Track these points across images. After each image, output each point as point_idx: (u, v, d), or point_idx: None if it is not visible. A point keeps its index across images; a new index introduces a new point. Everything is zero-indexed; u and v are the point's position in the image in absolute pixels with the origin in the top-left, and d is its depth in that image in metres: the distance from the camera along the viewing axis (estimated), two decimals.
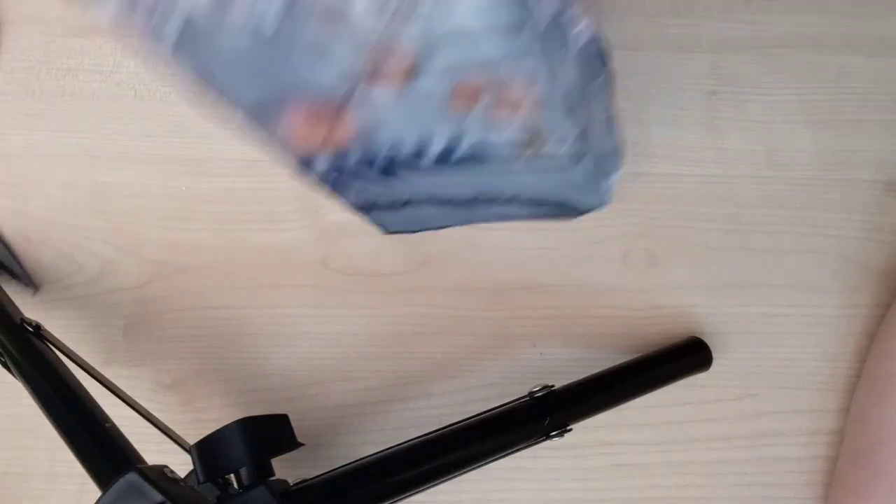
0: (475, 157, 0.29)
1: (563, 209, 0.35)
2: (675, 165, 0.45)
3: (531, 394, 0.36)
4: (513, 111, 0.26)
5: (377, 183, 0.32)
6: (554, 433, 0.35)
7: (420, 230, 0.40)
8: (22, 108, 0.47)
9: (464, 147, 0.28)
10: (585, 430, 0.38)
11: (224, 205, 0.45)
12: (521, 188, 0.32)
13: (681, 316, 0.43)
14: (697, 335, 0.42)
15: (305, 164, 0.30)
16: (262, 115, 0.28)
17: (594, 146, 0.31)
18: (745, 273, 0.44)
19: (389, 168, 0.30)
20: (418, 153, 0.29)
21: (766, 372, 0.42)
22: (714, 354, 0.41)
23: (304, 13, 0.22)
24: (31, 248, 0.44)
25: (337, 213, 0.44)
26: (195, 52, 0.24)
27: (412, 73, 0.24)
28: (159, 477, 0.28)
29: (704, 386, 0.41)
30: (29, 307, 0.42)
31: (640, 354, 0.40)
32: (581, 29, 0.27)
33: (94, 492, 0.28)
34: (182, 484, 0.29)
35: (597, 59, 0.30)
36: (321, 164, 0.30)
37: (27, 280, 0.43)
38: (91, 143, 0.46)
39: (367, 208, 0.36)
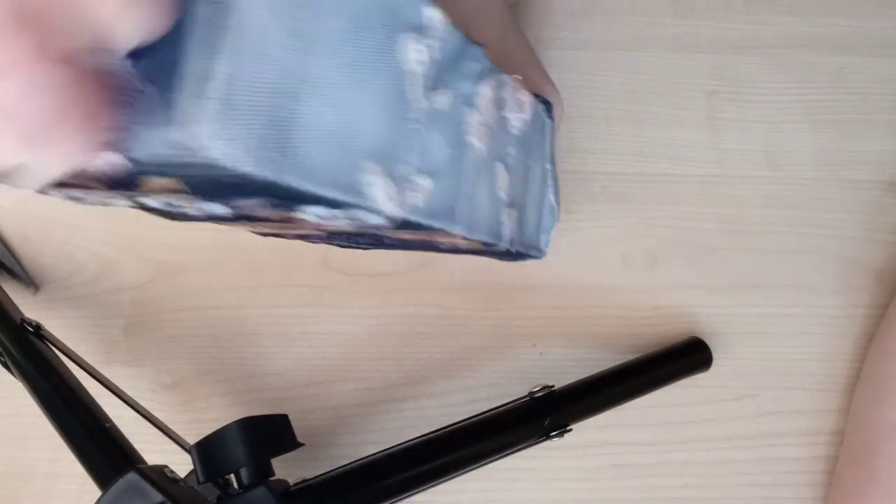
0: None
1: (505, 257, 0.36)
2: (675, 165, 0.45)
3: (531, 394, 0.36)
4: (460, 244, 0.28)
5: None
6: (554, 433, 0.35)
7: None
8: None
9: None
10: (585, 430, 0.38)
11: None
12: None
13: (681, 316, 0.43)
14: (697, 335, 0.42)
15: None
16: None
17: (526, 222, 0.32)
18: (745, 273, 0.44)
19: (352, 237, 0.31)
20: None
21: (766, 372, 0.42)
22: (714, 354, 0.41)
23: None
24: (31, 248, 0.44)
25: None
26: None
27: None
28: (159, 477, 0.28)
29: (704, 386, 0.42)
30: (29, 307, 0.42)
31: (640, 354, 0.40)
32: (519, 118, 0.29)
33: (94, 492, 0.28)
34: (182, 484, 0.29)
35: (537, 122, 0.31)
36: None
37: (27, 280, 0.43)
38: None
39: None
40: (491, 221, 0.28)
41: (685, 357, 0.41)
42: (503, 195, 0.29)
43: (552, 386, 0.37)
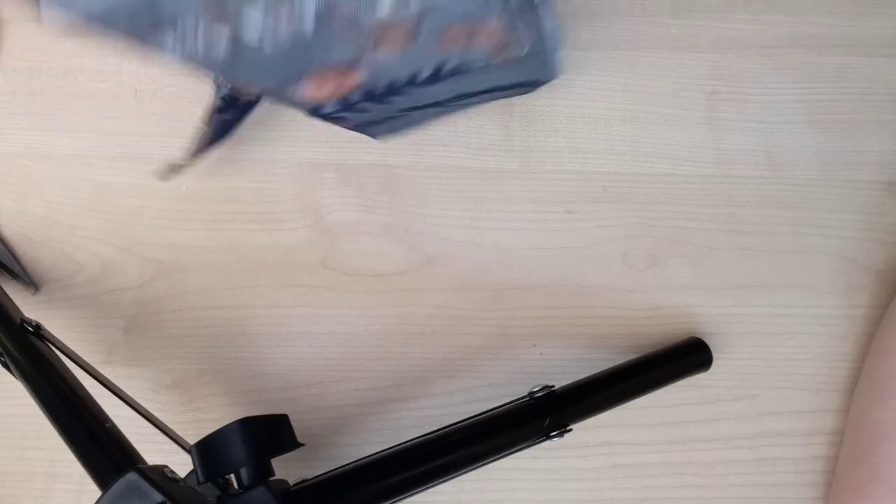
0: (457, 72, 0.36)
1: (526, 86, 0.44)
2: (675, 165, 0.45)
3: (531, 394, 0.36)
4: (487, 40, 0.33)
5: (376, 105, 0.38)
6: (554, 433, 0.35)
7: (406, 131, 0.45)
8: (22, 108, 0.47)
9: (447, 69, 0.36)
10: (585, 430, 0.38)
11: (224, 205, 0.45)
12: (493, 81, 0.40)
13: (681, 316, 0.43)
14: (697, 335, 0.42)
15: (314, 110, 0.37)
16: (279, 90, 0.34)
17: (543, 38, 0.38)
18: (745, 273, 0.44)
19: (386, 95, 0.37)
20: (411, 81, 0.36)
21: (766, 372, 0.42)
22: (714, 354, 0.41)
23: (332, 22, 0.29)
24: (31, 248, 0.44)
25: (337, 212, 0.44)
26: (233, 67, 0.30)
27: (409, 37, 0.31)
28: (159, 477, 0.28)
29: (704, 386, 0.42)
30: (29, 307, 0.42)
31: (640, 354, 0.40)
32: None
33: (94, 492, 0.28)
34: (182, 484, 0.29)
35: None
36: (329, 107, 0.37)
37: (27, 280, 0.43)
38: (91, 143, 0.46)
39: (363, 126, 0.42)
40: (518, 13, 0.33)
41: (685, 357, 0.41)
42: None
43: (552, 386, 0.37)
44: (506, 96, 0.44)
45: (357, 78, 0.34)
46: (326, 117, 0.38)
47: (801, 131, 0.46)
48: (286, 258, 0.44)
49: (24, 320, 0.36)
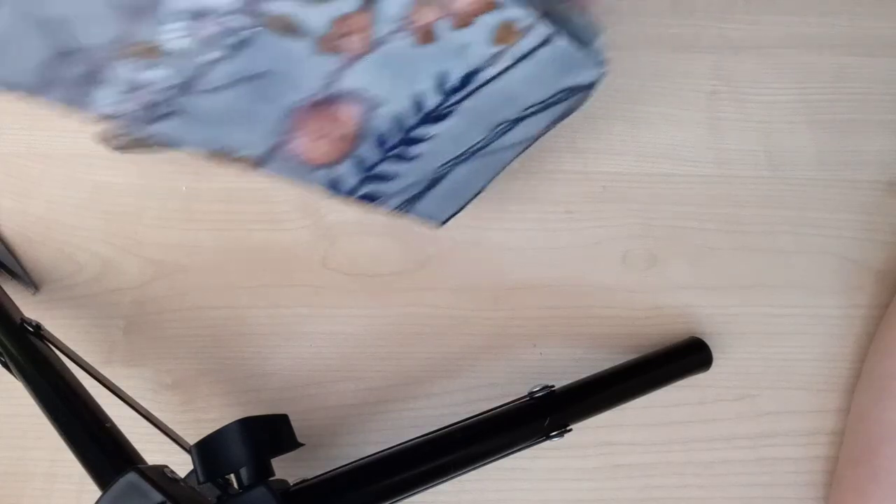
0: (470, 85, 0.30)
1: (574, 94, 0.34)
2: (675, 165, 0.45)
3: (531, 394, 0.36)
4: (470, 17, 0.27)
5: (403, 166, 0.32)
6: (554, 433, 0.35)
7: (469, 200, 0.38)
8: (22, 108, 0.47)
9: (452, 84, 0.30)
10: (585, 430, 0.38)
11: (224, 205, 0.45)
12: (523, 97, 0.33)
13: (681, 316, 0.43)
14: (697, 335, 0.42)
15: (333, 184, 0.32)
16: (278, 157, 0.29)
17: (562, 26, 0.31)
18: (745, 273, 0.44)
19: (404, 144, 0.31)
20: (418, 112, 0.30)
21: (766, 372, 0.42)
22: (714, 354, 0.41)
23: (262, 38, 0.25)
24: (31, 248, 0.44)
25: (337, 212, 0.44)
26: (195, 128, 0.27)
27: (370, 34, 0.26)
28: (159, 477, 0.28)
29: (704, 386, 0.42)
30: (29, 307, 0.42)
31: (640, 354, 0.40)
32: None
33: (94, 492, 0.28)
34: (182, 484, 0.29)
35: None
36: (347, 177, 0.32)
37: (27, 280, 0.43)
38: (91, 143, 0.46)
39: (411, 202, 0.36)
40: None
41: (685, 357, 0.41)
42: None
43: (552, 386, 0.37)
44: (560, 117, 0.35)
45: (350, 117, 0.29)
46: (355, 195, 0.32)
47: (801, 131, 0.46)
48: (286, 258, 0.44)
49: (24, 320, 0.36)
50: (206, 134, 0.28)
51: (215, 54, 0.25)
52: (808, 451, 0.41)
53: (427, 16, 0.27)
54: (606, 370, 0.39)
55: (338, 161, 0.31)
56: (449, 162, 0.34)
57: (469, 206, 0.45)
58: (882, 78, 0.47)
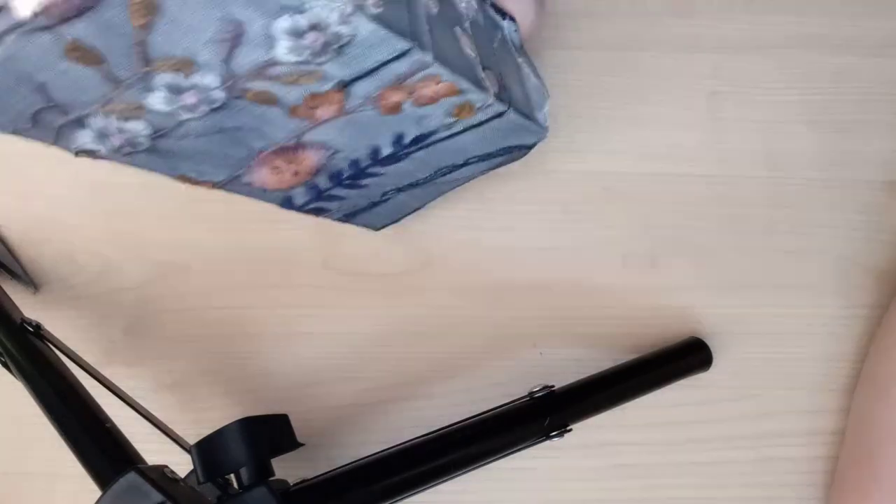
0: (422, 142, 0.33)
1: (513, 151, 0.38)
2: (676, 165, 0.45)
3: (531, 394, 0.36)
4: (433, 101, 0.30)
5: (351, 191, 0.36)
6: (554, 433, 0.35)
7: (403, 216, 0.42)
8: None
9: (409, 139, 0.33)
10: (585, 430, 0.38)
11: (224, 205, 0.45)
12: (469, 151, 0.36)
13: (681, 316, 0.43)
14: (697, 335, 0.42)
15: (285, 202, 0.35)
16: (236, 182, 0.32)
17: (514, 94, 0.35)
18: (745, 273, 0.44)
19: (356, 178, 0.35)
20: (374, 157, 0.33)
21: (767, 372, 0.42)
22: (714, 354, 0.41)
23: (240, 103, 0.27)
24: (31, 248, 0.44)
25: None
26: (165, 161, 0.29)
27: (342, 107, 0.29)
28: (159, 477, 0.28)
29: (704, 386, 0.42)
30: (29, 307, 0.41)
31: (640, 354, 0.40)
32: (465, 4, 0.32)
33: (94, 492, 0.28)
34: (182, 484, 0.29)
35: (489, 22, 0.34)
36: (299, 197, 0.35)
37: (27, 280, 0.43)
38: None
39: (352, 215, 0.39)
40: (466, 66, 0.30)
41: (685, 357, 0.41)
42: (471, 52, 0.31)
43: (552, 386, 0.37)
44: (498, 165, 0.39)
45: (311, 159, 0.32)
46: (304, 209, 0.36)
47: (801, 131, 0.46)
48: (286, 258, 0.44)
49: (24, 320, 0.36)
50: (171, 165, 0.30)
51: (194, 115, 0.27)
52: (808, 451, 0.41)
53: (394, 97, 0.29)
54: (606, 370, 0.39)
55: (292, 188, 0.34)
56: (392, 190, 0.37)
57: (469, 207, 0.45)
58: (882, 78, 0.47)
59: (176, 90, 0.25)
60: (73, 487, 0.40)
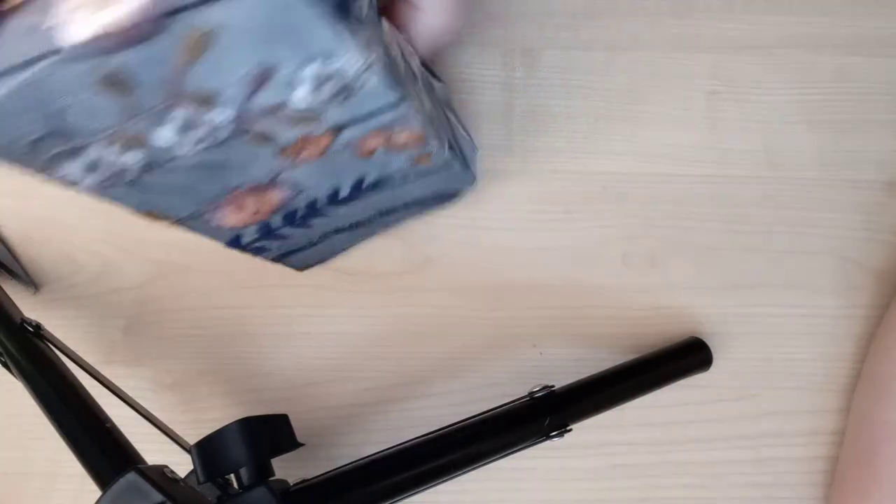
0: (377, 185, 0.35)
1: (445, 198, 0.42)
2: (675, 165, 0.45)
3: (531, 394, 0.36)
4: (402, 148, 0.32)
5: (297, 230, 0.37)
6: (554, 433, 0.35)
7: (330, 258, 0.43)
8: None
9: (368, 182, 0.35)
10: (585, 430, 0.38)
11: None
12: (410, 195, 0.39)
13: (681, 316, 0.43)
14: (697, 335, 0.42)
15: (233, 241, 0.35)
16: (197, 219, 0.32)
17: (458, 143, 0.39)
18: (745, 273, 0.44)
19: (307, 217, 0.36)
20: (332, 198, 0.35)
21: (767, 372, 0.42)
22: (714, 354, 0.41)
23: (238, 141, 0.27)
24: (31, 248, 0.44)
25: None
26: (141, 196, 0.28)
27: (325, 149, 0.30)
28: (159, 477, 0.28)
29: (704, 386, 0.42)
30: (29, 307, 0.41)
31: (640, 354, 0.40)
32: (416, 61, 0.33)
33: (94, 492, 0.28)
34: (182, 484, 0.29)
35: (426, 82, 0.36)
36: (248, 235, 0.35)
37: (27, 280, 0.43)
38: None
39: (286, 255, 0.40)
40: (427, 120, 0.32)
41: (685, 357, 0.41)
42: (429, 107, 0.34)
43: (552, 386, 0.37)
44: (426, 211, 0.42)
45: (276, 198, 0.32)
46: (246, 248, 0.36)
47: (801, 131, 0.46)
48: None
49: (24, 320, 0.36)
50: (145, 199, 0.29)
51: (193, 151, 0.26)
52: (808, 451, 0.41)
53: (373, 143, 0.31)
54: (606, 370, 0.39)
55: (246, 227, 0.34)
56: (331, 231, 0.39)
57: (469, 207, 0.45)
58: (882, 78, 0.47)
59: (188, 125, 0.25)
60: (73, 487, 0.40)
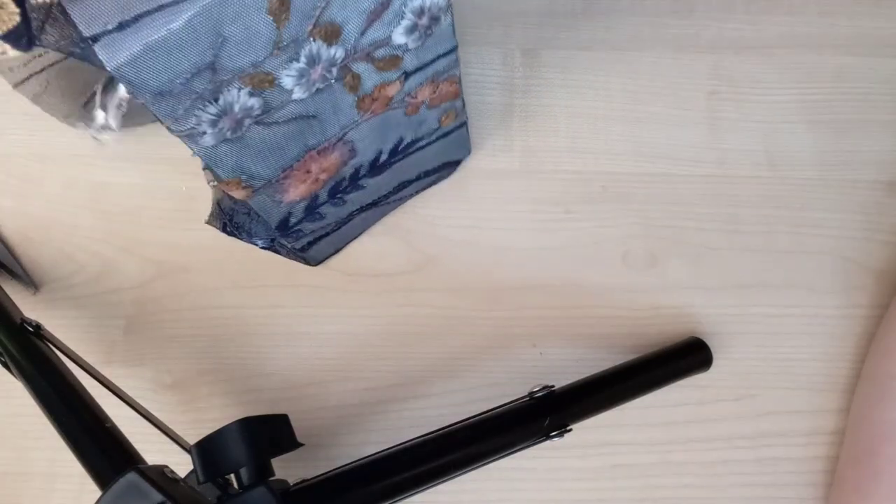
0: (408, 150, 0.37)
1: (445, 168, 0.44)
2: (675, 165, 0.45)
3: (531, 394, 0.36)
4: (441, 101, 0.35)
5: (332, 209, 0.38)
6: (554, 433, 0.35)
7: (343, 247, 0.44)
8: (22, 108, 0.47)
9: (404, 145, 0.36)
10: (585, 430, 0.38)
11: None
12: (423, 165, 0.41)
13: (681, 316, 0.43)
14: (697, 335, 0.42)
15: (282, 223, 0.36)
16: (268, 190, 0.33)
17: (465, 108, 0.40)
18: (745, 273, 0.44)
19: (347, 190, 0.37)
20: (374, 164, 0.36)
21: (766, 372, 0.42)
22: (714, 354, 0.41)
23: (337, 86, 0.29)
24: (31, 248, 0.44)
25: None
26: (238, 154, 0.29)
27: (389, 101, 0.32)
28: (159, 477, 0.28)
29: (704, 386, 0.42)
30: (29, 307, 0.42)
31: (640, 354, 0.40)
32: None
33: (94, 492, 0.28)
34: (182, 484, 0.29)
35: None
36: (297, 210, 0.36)
37: (27, 280, 0.43)
38: (91, 143, 0.46)
39: (311, 244, 0.41)
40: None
41: (685, 357, 0.41)
42: None
43: (552, 386, 0.37)
44: (428, 185, 0.44)
45: (335, 161, 0.34)
46: (289, 232, 0.37)
47: (801, 131, 0.46)
48: (286, 258, 0.44)
49: (24, 320, 0.36)
50: (237, 160, 0.29)
51: (303, 94, 0.28)
52: (808, 451, 0.41)
53: (424, 94, 0.33)
54: (606, 370, 0.39)
55: (301, 200, 0.35)
56: (357, 210, 0.40)
57: (469, 207, 0.45)
58: (882, 78, 0.47)
59: (312, 61, 0.27)
60: (73, 487, 0.40)
